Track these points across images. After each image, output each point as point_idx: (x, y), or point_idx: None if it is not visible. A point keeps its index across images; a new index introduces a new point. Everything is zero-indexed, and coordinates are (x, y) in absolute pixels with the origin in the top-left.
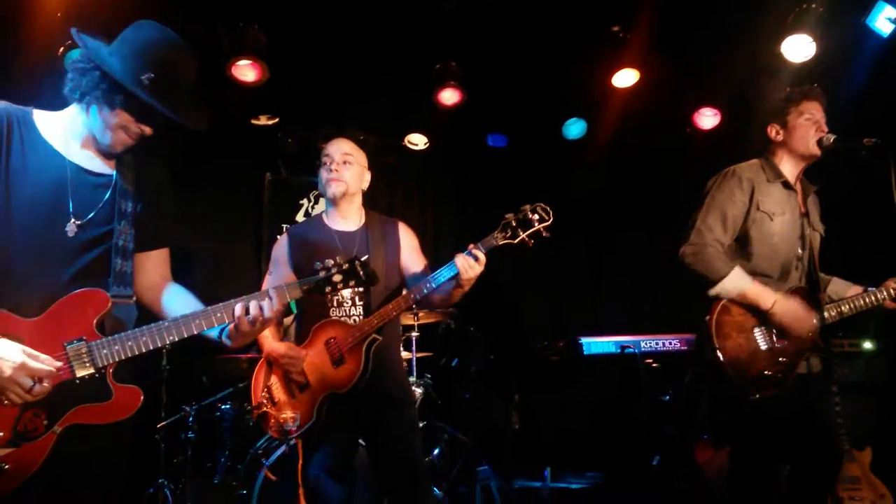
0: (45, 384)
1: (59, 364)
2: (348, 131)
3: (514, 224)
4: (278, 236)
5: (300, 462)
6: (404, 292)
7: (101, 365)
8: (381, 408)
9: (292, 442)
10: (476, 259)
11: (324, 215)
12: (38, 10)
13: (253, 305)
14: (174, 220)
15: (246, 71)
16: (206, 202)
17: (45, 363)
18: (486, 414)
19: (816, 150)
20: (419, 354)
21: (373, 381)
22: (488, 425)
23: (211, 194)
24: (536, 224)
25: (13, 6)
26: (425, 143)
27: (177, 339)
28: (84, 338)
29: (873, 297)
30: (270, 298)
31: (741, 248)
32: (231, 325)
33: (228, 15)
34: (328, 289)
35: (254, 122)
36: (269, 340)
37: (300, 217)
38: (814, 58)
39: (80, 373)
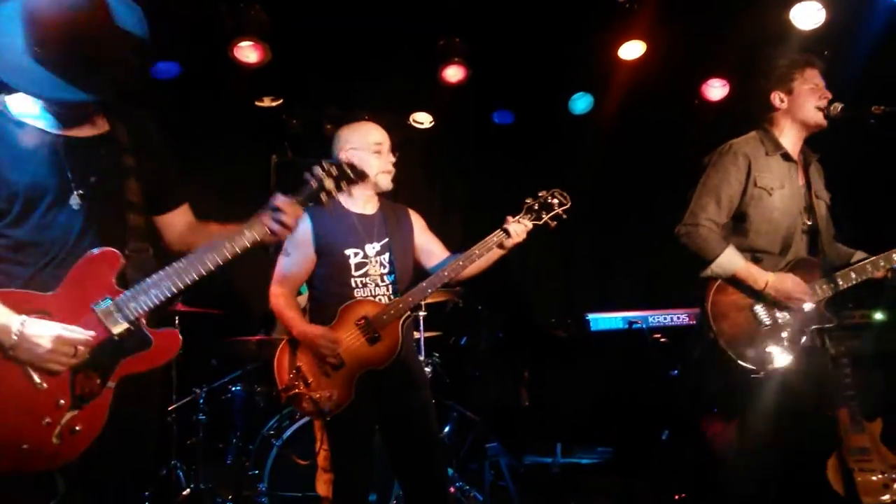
0: (82, 349)
1: (92, 333)
2: (368, 115)
3: (536, 208)
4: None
5: (318, 444)
6: (447, 266)
7: (132, 318)
8: (403, 387)
9: (328, 418)
10: (524, 227)
11: (340, 197)
12: None
13: (274, 227)
14: (177, 173)
15: (248, 52)
16: (213, 185)
17: (78, 332)
18: (496, 391)
19: (822, 120)
20: (427, 334)
21: (398, 359)
22: (497, 403)
23: (217, 177)
24: (556, 208)
25: None
26: (431, 122)
27: (196, 277)
28: (109, 296)
29: (882, 262)
30: (280, 216)
31: (738, 226)
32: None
33: None
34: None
35: (258, 103)
36: (301, 322)
37: None
38: (823, 25)
39: (116, 329)
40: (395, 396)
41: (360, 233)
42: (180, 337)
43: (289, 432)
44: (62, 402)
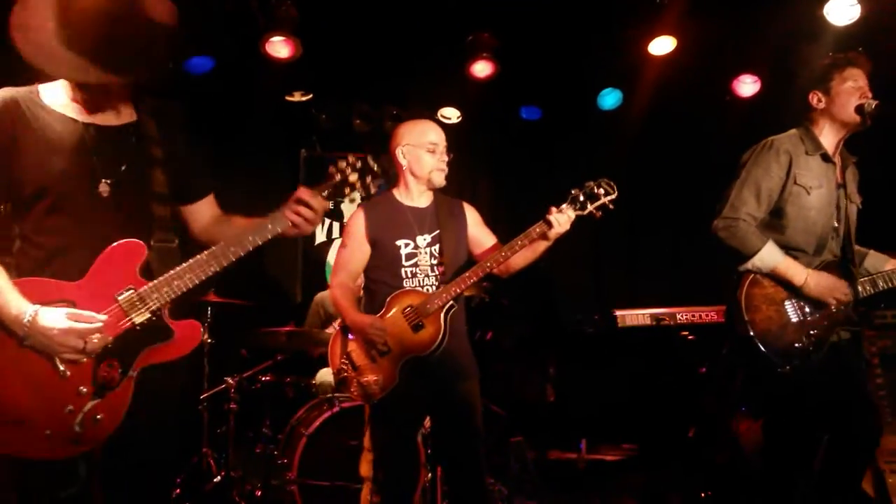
0: (96, 339)
1: (104, 317)
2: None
3: (581, 198)
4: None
5: (366, 428)
6: (490, 256)
7: (154, 308)
8: (448, 377)
9: (374, 401)
10: (567, 217)
11: (395, 192)
12: None
13: (296, 219)
14: (206, 163)
15: (279, 47)
16: (243, 179)
17: (89, 320)
18: (521, 387)
19: (862, 118)
20: None
21: (446, 348)
22: (523, 398)
23: (247, 171)
24: (602, 198)
25: None
26: (458, 117)
27: (218, 269)
28: (132, 287)
29: None
30: (302, 210)
31: (775, 222)
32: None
33: None
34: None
35: (288, 98)
36: (352, 311)
37: None
38: (858, 20)
39: (138, 319)
40: (440, 386)
41: (412, 224)
42: (201, 328)
43: (318, 422)
44: (84, 390)
